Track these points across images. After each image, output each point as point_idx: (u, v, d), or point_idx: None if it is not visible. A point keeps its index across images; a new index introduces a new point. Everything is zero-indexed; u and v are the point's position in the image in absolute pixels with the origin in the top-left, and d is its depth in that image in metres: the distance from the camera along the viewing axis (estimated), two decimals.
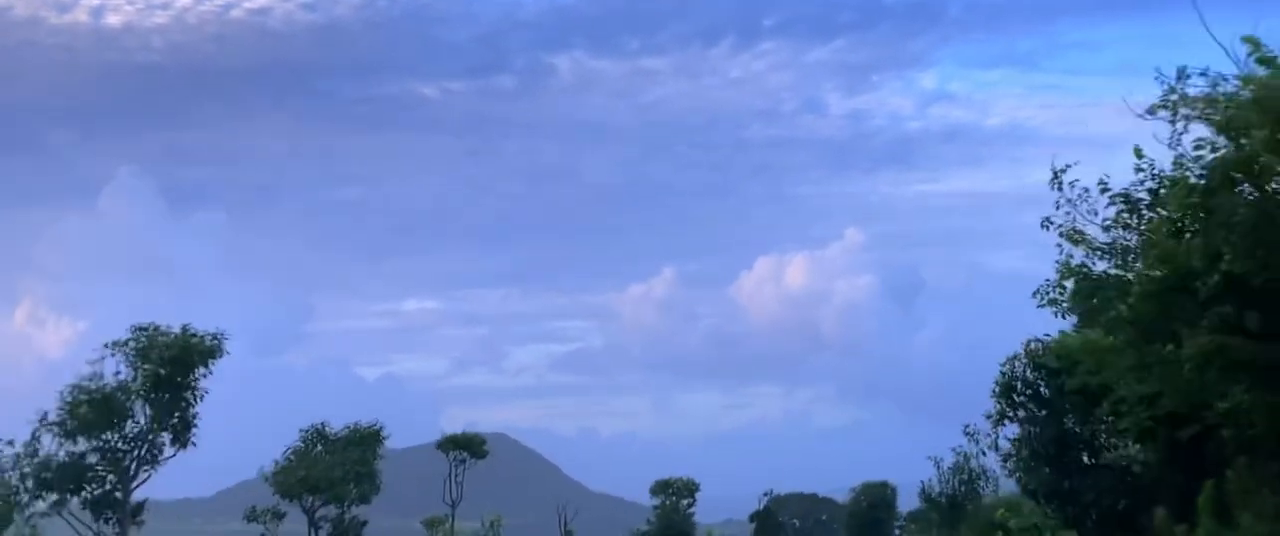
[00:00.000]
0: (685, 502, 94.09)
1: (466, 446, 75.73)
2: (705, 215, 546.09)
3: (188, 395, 57.50)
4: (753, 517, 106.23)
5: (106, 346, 57.15)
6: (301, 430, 68.21)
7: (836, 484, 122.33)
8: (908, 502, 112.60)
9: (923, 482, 62.95)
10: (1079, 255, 28.37)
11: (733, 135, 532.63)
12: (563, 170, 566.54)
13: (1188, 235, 24.40)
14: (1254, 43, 22.81)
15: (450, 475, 76.79)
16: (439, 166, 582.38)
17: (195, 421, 57.49)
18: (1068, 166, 28.00)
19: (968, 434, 61.88)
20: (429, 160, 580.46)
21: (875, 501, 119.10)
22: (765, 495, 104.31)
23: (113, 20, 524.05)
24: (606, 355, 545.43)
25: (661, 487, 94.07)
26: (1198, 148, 24.39)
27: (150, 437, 56.38)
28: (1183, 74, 24.29)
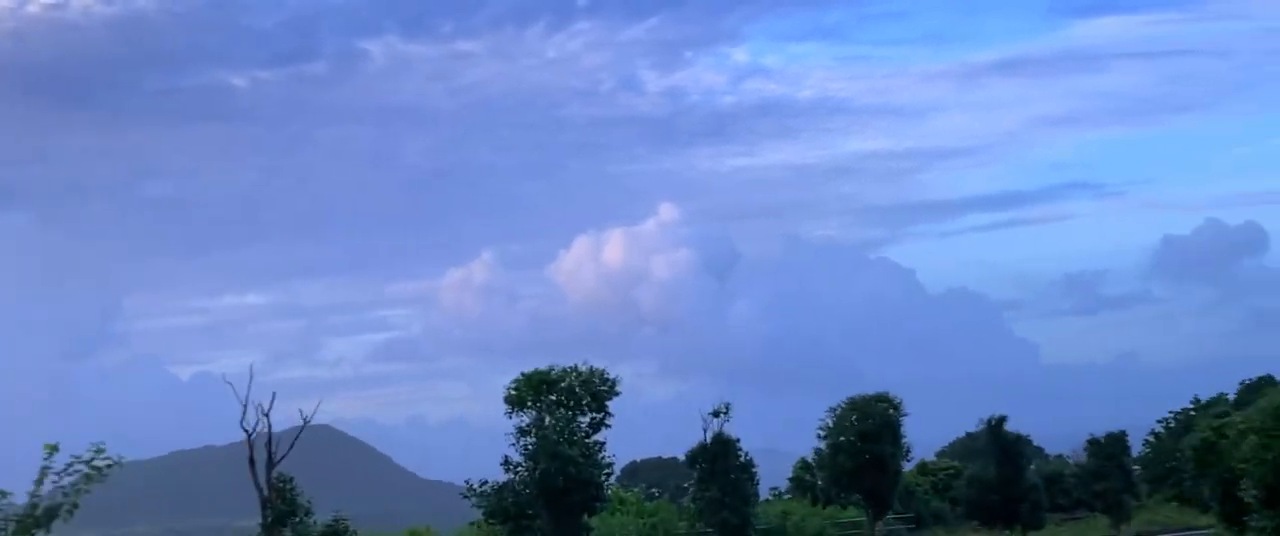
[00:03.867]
0: (585, 420, 35.79)
1: None
2: (525, 196, 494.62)
3: None
4: (692, 457, 48.83)
5: None
6: None
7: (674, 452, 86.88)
8: None
9: None
10: None
11: (551, 115, 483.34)
12: (380, 156, 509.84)
13: None
14: None
15: None
16: (253, 157, 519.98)
17: None
18: None
19: None
20: (242, 151, 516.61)
21: (874, 430, 62.78)
22: (716, 416, 46.79)
23: None
24: (427, 342, 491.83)
25: (532, 387, 35.19)
26: None
27: None
28: None
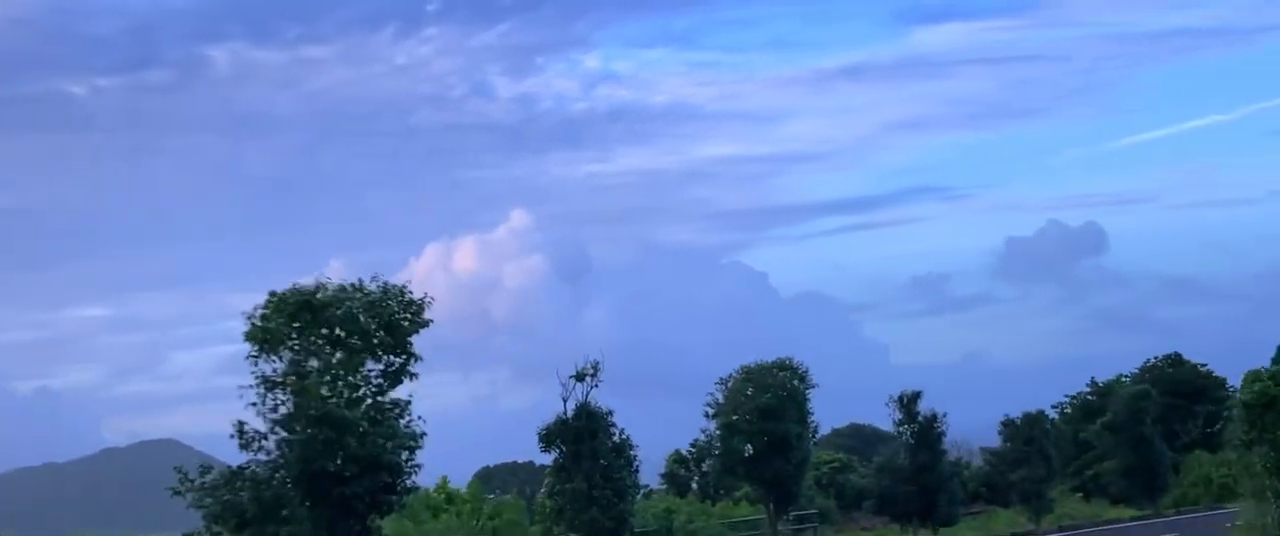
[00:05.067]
0: None
1: None
2: (375, 204, 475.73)
3: None
4: (549, 436, 32.78)
5: None
6: None
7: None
8: None
9: None
10: None
11: (401, 122, 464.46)
12: (226, 165, 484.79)
13: None
14: None
15: None
16: (95, 167, 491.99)
17: None
18: None
19: None
20: (84, 161, 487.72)
21: (775, 404, 48.55)
22: (580, 380, 31.28)
23: None
24: None
25: (288, 316, 18.49)
26: None
27: None
28: None
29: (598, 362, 36.41)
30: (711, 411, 49.75)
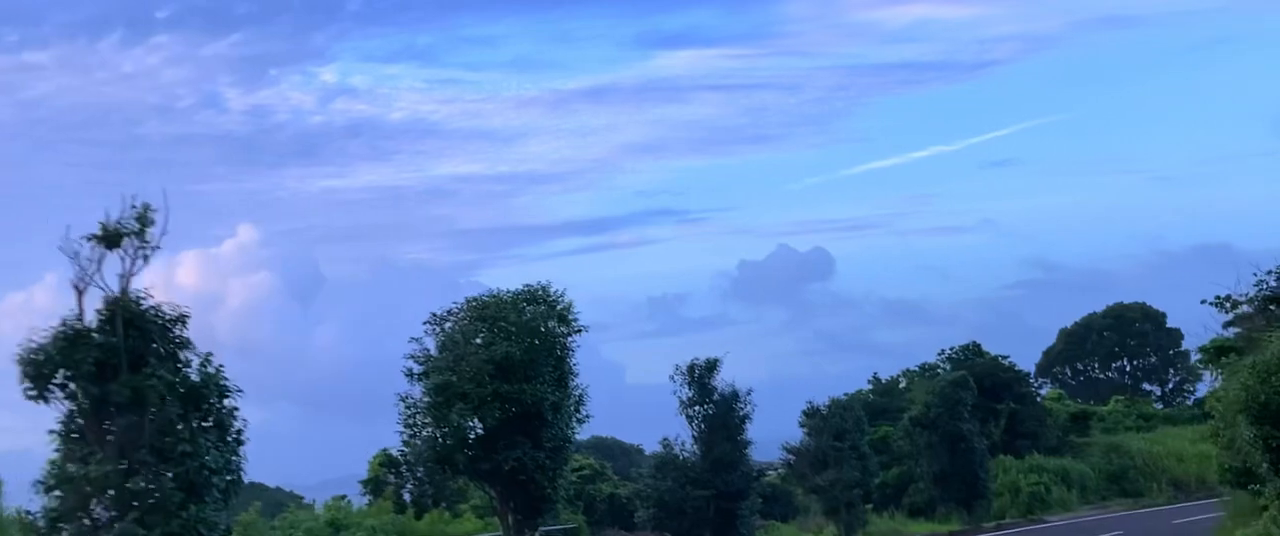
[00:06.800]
0: None
1: None
2: (94, 216, 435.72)
3: None
4: (37, 365, 12.35)
5: None
6: None
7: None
8: None
9: None
10: None
11: (126, 132, 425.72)
12: None
13: None
14: None
15: None
16: None
17: None
18: None
19: None
20: None
21: (521, 359, 29.18)
22: (109, 244, 14.19)
23: None
24: None
25: None
26: None
27: None
28: None
29: (149, 208, 16.43)
30: (418, 368, 30.18)
